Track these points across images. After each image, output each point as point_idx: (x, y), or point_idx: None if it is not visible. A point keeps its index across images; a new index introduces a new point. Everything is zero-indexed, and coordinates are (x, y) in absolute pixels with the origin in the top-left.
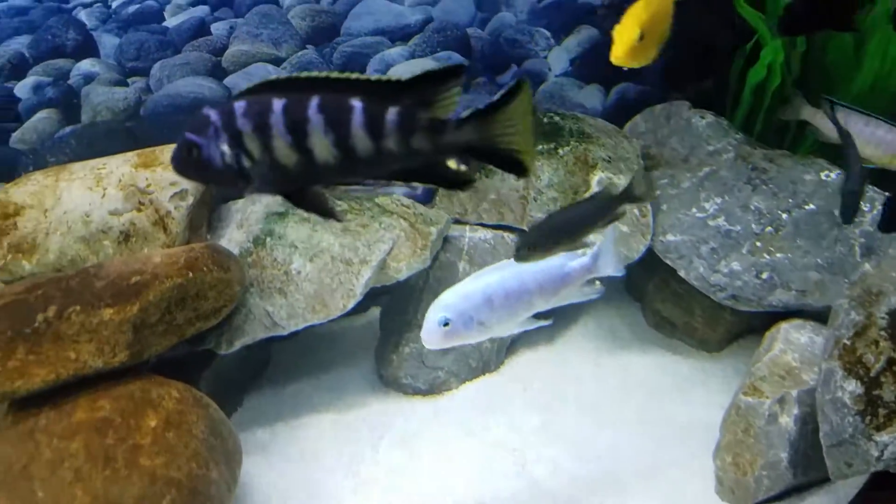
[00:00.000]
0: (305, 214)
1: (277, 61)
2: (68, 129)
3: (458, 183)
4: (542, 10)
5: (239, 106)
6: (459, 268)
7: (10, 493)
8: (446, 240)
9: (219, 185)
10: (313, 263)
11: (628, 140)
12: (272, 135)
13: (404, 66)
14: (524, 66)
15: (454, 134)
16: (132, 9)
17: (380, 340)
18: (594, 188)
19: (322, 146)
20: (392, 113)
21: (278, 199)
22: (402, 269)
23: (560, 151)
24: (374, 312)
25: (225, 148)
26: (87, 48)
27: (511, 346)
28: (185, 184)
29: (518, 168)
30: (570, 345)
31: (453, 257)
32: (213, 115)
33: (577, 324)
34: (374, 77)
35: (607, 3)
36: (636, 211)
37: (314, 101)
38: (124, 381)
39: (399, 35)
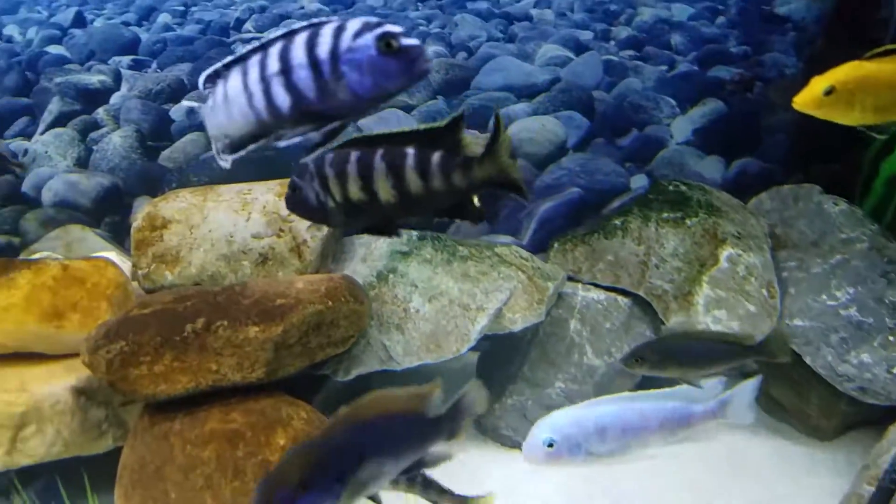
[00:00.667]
0: (428, 256)
1: (408, 109)
2: (211, 153)
3: (478, 217)
4: (669, 80)
5: (328, 157)
6: (570, 325)
7: (145, 492)
8: (559, 296)
9: (313, 220)
10: (431, 304)
11: (755, 217)
12: (348, 180)
13: (526, 122)
14: (646, 131)
15: (480, 169)
16: None
17: None
18: (723, 263)
19: (384, 188)
20: (436, 156)
21: (402, 238)
22: (518, 320)
23: (688, 222)
24: (470, 355)
25: (317, 190)
26: None
27: None
28: None
29: (519, 190)
30: None
31: (565, 314)
32: (310, 163)
33: None
34: (423, 126)
35: (737, 78)
36: (764, 291)
37: (380, 151)
38: (256, 396)
39: (526, 92)
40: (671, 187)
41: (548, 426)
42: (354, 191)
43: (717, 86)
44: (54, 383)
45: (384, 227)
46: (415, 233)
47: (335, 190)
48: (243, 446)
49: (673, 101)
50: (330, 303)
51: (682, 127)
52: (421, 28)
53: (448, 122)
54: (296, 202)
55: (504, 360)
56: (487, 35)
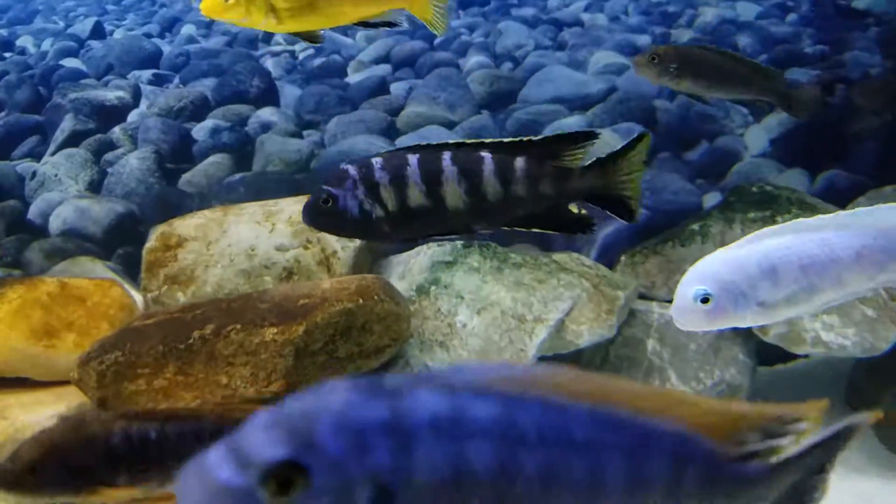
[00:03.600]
0: (475, 264)
1: (451, 125)
2: (238, 175)
3: (581, 227)
4: None
5: (376, 161)
6: (647, 346)
7: None
8: (631, 313)
9: (347, 235)
10: (481, 317)
11: None
12: (408, 184)
13: None
14: (717, 143)
15: (579, 180)
16: (317, 61)
17: None
18: None
19: (454, 193)
20: (521, 161)
21: (446, 247)
22: (583, 333)
23: (779, 220)
24: None
25: (361, 198)
26: (269, 97)
27: None
28: None
29: (629, 215)
30: None
31: (640, 334)
32: (351, 169)
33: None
34: (505, 139)
35: (815, 81)
36: (883, 292)
37: (447, 155)
38: None
39: (579, 104)
40: (754, 189)
41: (697, 276)
42: (414, 196)
43: (794, 89)
44: (39, 411)
45: (452, 231)
46: (459, 242)
47: (387, 197)
48: None
49: (745, 109)
50: (361, 300)
51: (757, 137)
52: (463, 37)
53: (550, 136)
54: (327, 215)
55: None
56: (535, 43)
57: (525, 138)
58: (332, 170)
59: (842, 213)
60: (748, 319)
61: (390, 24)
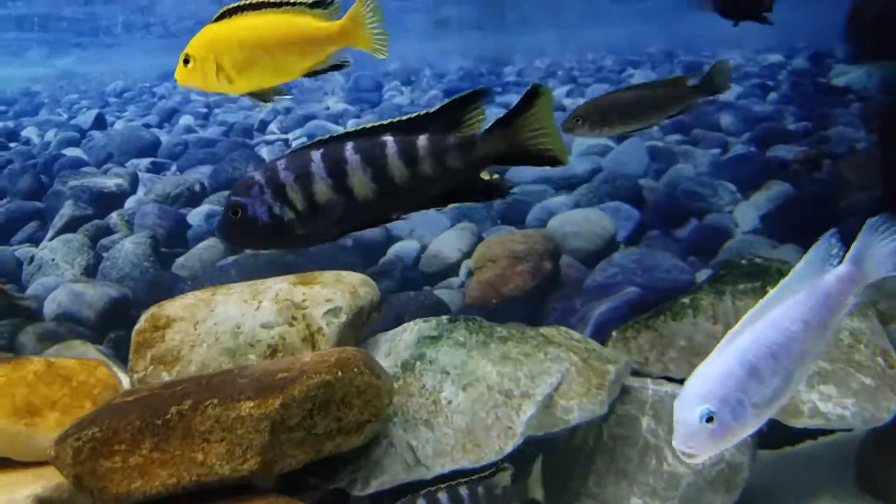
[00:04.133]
0: (461, 339)
1: None
2: (230, 259)
3: (497, 193)
4: (725, 163)
5: (280, 163)
6: (642, 424)
7: None
8: (625, 390)
9: (263, 245)
10: (466, 393)
11: None
12: (314, 181)
13: (569, 215)
14: (706, 220)
15: (483, 146)
16: None
17: None
18: None
19: (361, 182)
20: (422, 139)
21: (431, 322)
22: (573, 409)
23: (769, 290)
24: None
25: (269, 202)
26: None
27: None
28: (339, 301)
29: (552, 161)
30: None
31: (634, 411)
32: (256, 175)
33: None
34: (403, 117)
35: (801, 156)
36: (880, 360)
37: (349, 145)
38: (248, 497)
39: (564, 184)
40: (744, 261)
41: (694, 397)
42: (322, 191)
43: (780, 166)
44: (16, 492)
45: (368, 223)
46: (445, 317)
47: (295, 197)
48: None
49: (732, 186)
50: (340, 373)
51: (747, 213)
52: None
53: (444, 104)
54: (237, 226)
55: (562, 474)
56: None
57: (422, 112)
58: (237, 182)
59: (772, 291)
60: (749, 426)
61: (340, 66)
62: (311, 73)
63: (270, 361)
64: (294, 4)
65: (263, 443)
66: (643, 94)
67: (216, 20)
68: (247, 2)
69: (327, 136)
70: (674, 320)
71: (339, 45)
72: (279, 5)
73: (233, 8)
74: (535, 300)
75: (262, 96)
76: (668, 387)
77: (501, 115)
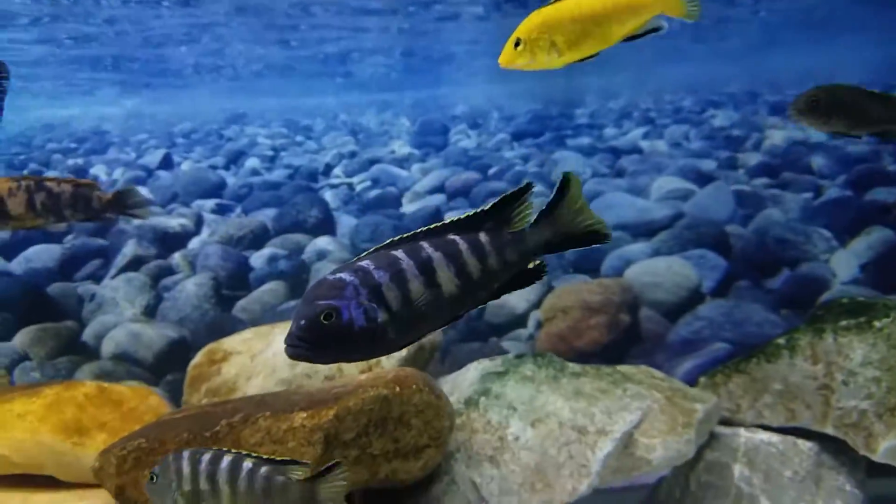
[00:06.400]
0: (529, 373)
1: None
2: (292, 303)
3: (535, 276)
4: (818, 209)
5: (366, 262)
6: (735, 471)
7: None
8: (713, 437)
9: (354, 353)
10: (535, 429)
11: None
12: (408, 279)
13: (648, 264)
14: (800, 269)
15: (532, 238)
16: (374, 193)
17: None
18: None
19: (447, 279)
20: (483, 236)
21: (496, 361)
22: (657, 447)
23: (876, 324)
24: None
25: (366, 304)
26: (326, 226)
27: None
28: None
29: (598, 237)
30: None
31: (725, 458)
32: (344, 275)
33: None
34: (462, 215)
35: None
36: None
37: (424, 244)
38: None
39: (642, 230)
40: (844, 300)
41: None
42: (416, 289)
43: (881, 210)
44: None
45: (446, 321)
46: (511, 353)
47: (391, 297)
48: None
49: (827, 233)
50: (398, 388)
51: (845, 262)
52: (517, 168)
53: (494, 203)
54: (331, 333)
55: None
56: (592, 171)
57: (477, 210)
58: (316, 285)
59: None
60: None
61: (656, 30)
62: (630, 38)
63: (327, 382)
64: None
65: (316, 456)
66: (869, 101)
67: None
68: None
69: (396, 238)
70: (768, 362)
71: (655, 11)
72: None
73: None
74: (612, 356)
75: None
76: (762, 434)
77: (541, 210)
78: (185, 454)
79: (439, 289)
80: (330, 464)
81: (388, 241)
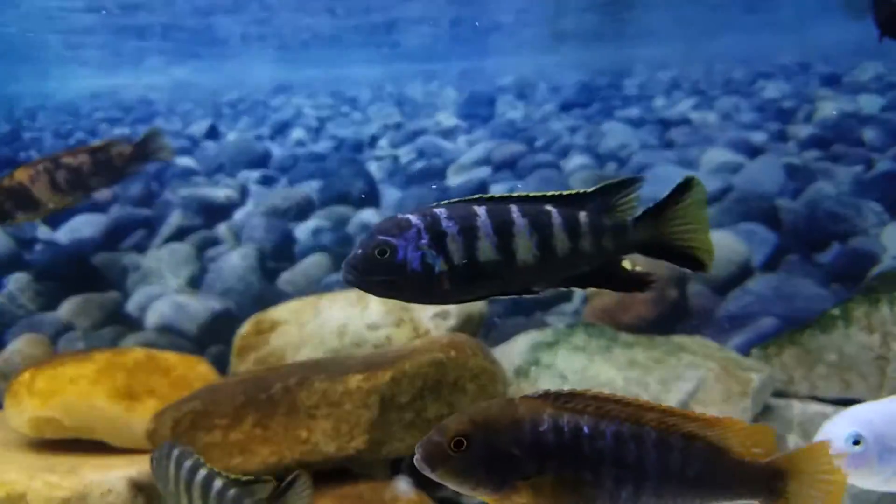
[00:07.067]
0: (580, 343)
1: None
2: (336, 275)
3: (638, 284)
4: (870, 182)
5: (440, 210)
6: (790, 443)
7: None
8: (767, 408)
9: (401, 294)
10: None
11: None
12: (478, 236)
13: None
14: (850, 244)
15: (633, 232)
16: (419, 165)
17: None
18: None
19: (525, 247)
20: (583, 215)
21: (546, 332)
22: None
23: None
24: None
25: (425, 249)
26: (371, 198)
27: None
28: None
29: (696, 264)
30: None
31: (780, 429)
32: (412, 217)
33: None
34: (564, 192)
35: None
36: None
37: (513, 207)
38: (353, 480)
39: None
40: None
41: (850, 418)
42: (484, 247)
43: None
44: (110, 472)
45: (512, 291)
46: (561, 324)
47: (453, 249)
48: None
49: (878, 207)
50: (453, 353)
51: (895, 236)
52: (564, 139)
53: (599, 186)
54: (382, 268)
55: None
56: (640, 143)
57: (581, 190)
58: (385, 220)
59: None
60: (886, 475)
61: None
62: None
63: (380, 349)
64: None
65: (372, 419)
66: None
67: None
68: None
69: (488, 195)
70: (822, 333)
71: None
72: None
73: None
74: (659, 331)
75: None
76: (816, 406)
77: (649, 207)
78: (175, 452)
79: (512, 255)
80: (290, 478)
81: (477, 195)
